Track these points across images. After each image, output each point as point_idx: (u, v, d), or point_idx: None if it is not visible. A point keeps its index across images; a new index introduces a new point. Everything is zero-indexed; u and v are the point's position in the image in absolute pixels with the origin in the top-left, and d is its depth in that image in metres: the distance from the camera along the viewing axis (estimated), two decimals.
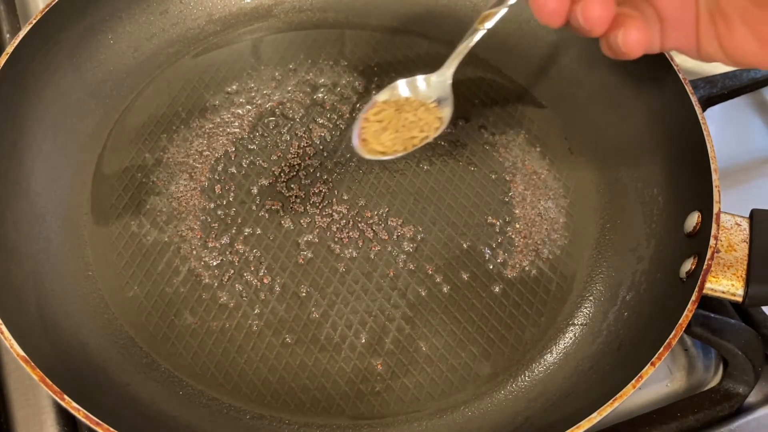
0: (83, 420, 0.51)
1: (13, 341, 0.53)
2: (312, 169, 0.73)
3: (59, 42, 0.70)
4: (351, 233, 0.69)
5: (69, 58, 0.72)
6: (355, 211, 0.70)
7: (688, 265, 0.60)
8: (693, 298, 0.56)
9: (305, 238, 0.68)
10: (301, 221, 0.69)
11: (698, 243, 0.60)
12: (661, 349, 0.54)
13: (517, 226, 0.70)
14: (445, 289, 0.66)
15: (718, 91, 0.78)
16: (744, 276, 0.59)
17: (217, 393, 0.61)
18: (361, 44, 0.81)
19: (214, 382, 0.62)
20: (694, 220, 0.62)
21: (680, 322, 0.55)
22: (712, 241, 0.58)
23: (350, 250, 0.68)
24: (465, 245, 0.69)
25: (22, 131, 0.67)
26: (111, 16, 0.75)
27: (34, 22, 0.67)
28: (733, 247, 0.60)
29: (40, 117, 0.69)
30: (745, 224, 0.61)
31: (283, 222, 0.69)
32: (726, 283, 0.59)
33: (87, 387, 0.56)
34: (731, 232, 0.61)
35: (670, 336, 0.55)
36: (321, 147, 0.74)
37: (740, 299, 0.59)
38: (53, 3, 0.68)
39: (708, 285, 0.58)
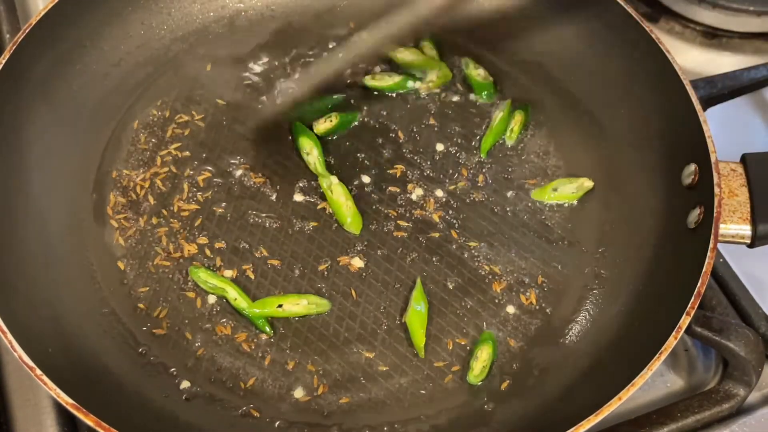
0: (84, 419, 0.51)
1: (14, 341, 0.53)
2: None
3: (31, 77, 0.69)
4: (358, 245, 0.69)
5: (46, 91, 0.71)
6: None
7: (695, 215, 0.61)
8: (711, 245, 0.57)
9: (305, 245, 0.69)
10: (305, 227, 0.70)
11: (700, 193, 0.62)
12: (692, 299, 0.55)
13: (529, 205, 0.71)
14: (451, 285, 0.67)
15: (718, 91, 0.78)
16: (749, 218, 0.60)
17: (223, 393, 0.61)
18: (360, 43, 0.81)
19: (217, 382, 0.62)
20: (691, 171, 0.64)
21: (704, 269, 0.56)
22: (716, 189, 0.60)
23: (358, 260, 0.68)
24: None
25: (22, 151, 0.67)
26: (76, 45, 0.74)
27: (7, 56, 0.66)
28: (734, 192, 0.61)
29: (39, 135, 0.69)
30: (740, 169, 0.63)
31: (289, 229, 0.69)
32: (734, 227, 0.60)
33: (87, 386, 0.56)
34: (729, 179, 0.62)
35: (698, 284, 0.56)
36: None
37: (749, 240, 0.60)
38: (19, 40, 0.67)
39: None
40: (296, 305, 0.64)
